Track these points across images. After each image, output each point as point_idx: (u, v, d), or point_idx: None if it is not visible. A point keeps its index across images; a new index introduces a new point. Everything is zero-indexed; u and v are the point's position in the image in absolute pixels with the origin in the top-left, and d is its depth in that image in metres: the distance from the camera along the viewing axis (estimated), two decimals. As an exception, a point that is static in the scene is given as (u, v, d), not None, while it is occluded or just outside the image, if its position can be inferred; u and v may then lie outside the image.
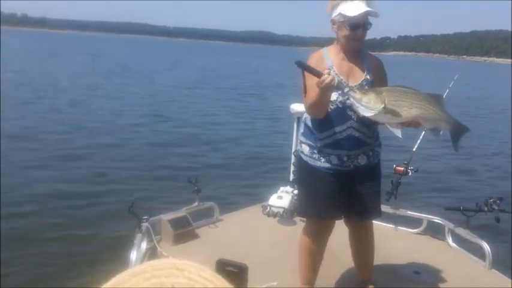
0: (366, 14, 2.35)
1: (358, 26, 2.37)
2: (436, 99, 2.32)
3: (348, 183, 2.54)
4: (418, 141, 3.82)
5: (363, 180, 2.55)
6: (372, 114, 2.19)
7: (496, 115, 17.94)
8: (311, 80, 2.31)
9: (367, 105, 2.17)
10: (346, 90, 2.26)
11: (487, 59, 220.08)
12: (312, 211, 2.63)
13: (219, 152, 9.26)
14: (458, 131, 2.40)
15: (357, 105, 2.20)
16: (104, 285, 0.53)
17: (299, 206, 2.72)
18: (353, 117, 2.41)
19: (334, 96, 2.40)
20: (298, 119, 4.17)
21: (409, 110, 2.20)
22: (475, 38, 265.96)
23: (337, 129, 2.44)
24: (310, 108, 2.43)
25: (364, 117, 2.37)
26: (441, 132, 2.35)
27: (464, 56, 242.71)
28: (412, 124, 2.28)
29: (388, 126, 2.26)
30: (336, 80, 2.25)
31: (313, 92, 2.32)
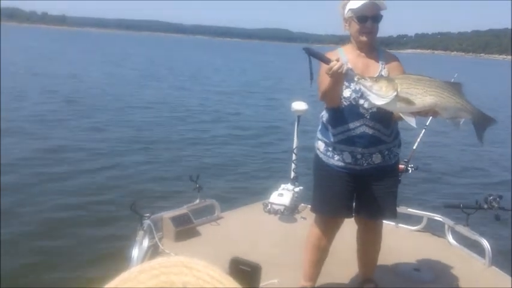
0: (372, 6, 2.36)
1: (365, 18, 2.37)
2: (453, 87, 2.18)
3: (362, 182, 2.55)
4: (418, 139, 3.84)
5: (377, 180, 2.55)
6: (384, 102, 2.09)
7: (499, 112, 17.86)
8: (324, 68, 2.31)
9: (379, 93, 2.07)
10: (356, 78, 2.18)
11: (505, 57, 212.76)
12: (324, 209, 2.64)
13: (220, 150, 9.27)
14: (482, 122, 2.24)
15: (368, 93, 2.11)
16: (112, 282, 0.53)
17: (312, 202, 2.73)
18: (366, 115, 2.41)
19: (347, 93, 2.41)
20: (299, 117, 4.20)
21: (423, 97, 2.09)
22: (493, 36, 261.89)
23: (351, 125, 2.44)
24: (322, 96, 2.44)
25: (376, 108, 2.35)
26: (461, 123, 2.20)
27: (482, 54, 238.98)
28: (428, 113, 2.20)
29: (402, 115, 2.18)
30: (345, 68, 2.20)
31: (326, 80, 2.32)
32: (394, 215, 2.73)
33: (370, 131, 2.44)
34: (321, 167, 2.61)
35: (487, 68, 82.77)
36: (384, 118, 2.44)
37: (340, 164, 2.52)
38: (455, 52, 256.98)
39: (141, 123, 11.32)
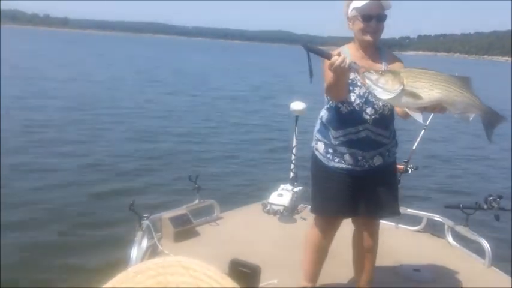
0: (377, 5, 2.34)
1: (370, 17, 2.35)
2: (462, 81, 2.07)
3: (363, 182, 2.52)
4: (418, 140, 3.83)
5: (378, 179, 2.53)
6: (390, 96, 2.00)
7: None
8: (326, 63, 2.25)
9: (385, 87, 1.99)
10: (361, 71, 2.11)
11: (508, 59, 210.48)
12: (326, 209, 2.61)
13: (219, 150, 9.26)
14: (491, 120, 2.11)
15: (374, 87, 2.02)
16: (108, 283, 0.53)
17: (312, 203, 2.70)
18: (369, 121, 2.40)
19: (351, 98, 2.39)
20: (297, 117, 4.20)
21: (429, 91, 1.98)
22: (496, 38, 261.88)
23: (353, 130, 2.42)
24: (328, 91, 2.41)
25: (379, 114, 2.35)
26: (471, 118, 2.08)
27: (486, 56, 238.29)
28: (436, 109, 2.06)
29: (408, 110, 2.07)
30: (348, 62, 2.13)
31: (330, 75, 2.26)
32: (397, 212, 2.68)
33: (372, 136, 2.43)
34: (320, 168, 2.58)
35: (490, 69, 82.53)
36: (385, 121, 2.44)
37: (340, 165, 2.49)
38: (458, 54, 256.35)
39: (141, 123, 11.31)
